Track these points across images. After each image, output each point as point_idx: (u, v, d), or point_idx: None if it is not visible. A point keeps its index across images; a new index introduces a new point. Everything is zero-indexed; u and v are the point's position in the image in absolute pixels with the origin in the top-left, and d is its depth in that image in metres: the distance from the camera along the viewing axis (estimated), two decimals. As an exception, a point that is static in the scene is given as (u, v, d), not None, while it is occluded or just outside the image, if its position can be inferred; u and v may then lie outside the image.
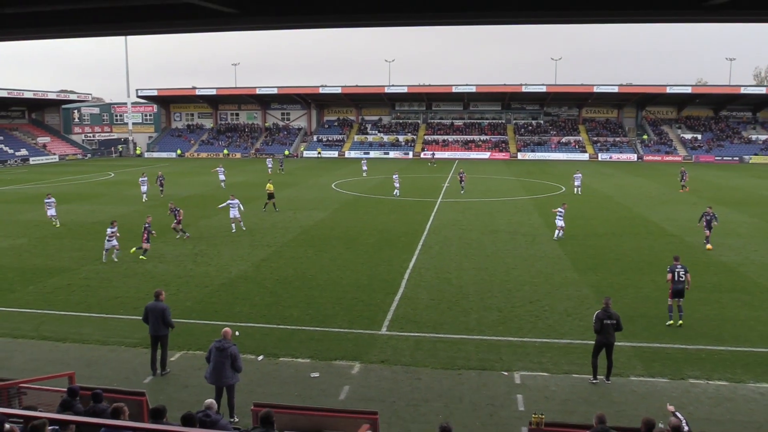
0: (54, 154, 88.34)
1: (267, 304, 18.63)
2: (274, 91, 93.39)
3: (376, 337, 15.99)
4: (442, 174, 60.02)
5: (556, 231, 28.15)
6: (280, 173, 59.57)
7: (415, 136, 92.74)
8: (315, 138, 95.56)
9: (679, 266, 16.87)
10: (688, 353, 14.98)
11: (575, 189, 44.56)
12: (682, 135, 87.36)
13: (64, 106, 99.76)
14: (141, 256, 24.73)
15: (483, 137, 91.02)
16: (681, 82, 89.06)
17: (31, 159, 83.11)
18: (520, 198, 42.21)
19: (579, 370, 13.96)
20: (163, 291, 14.28)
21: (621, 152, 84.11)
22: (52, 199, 32.62)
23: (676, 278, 16.71)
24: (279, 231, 30.24)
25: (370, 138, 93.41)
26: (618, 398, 12.76)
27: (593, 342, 13.66)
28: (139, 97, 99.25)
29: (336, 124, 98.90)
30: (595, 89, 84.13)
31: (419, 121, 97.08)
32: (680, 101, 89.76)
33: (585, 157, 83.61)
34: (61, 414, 8.57)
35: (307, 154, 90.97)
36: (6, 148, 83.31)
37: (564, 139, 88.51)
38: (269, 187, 36.67)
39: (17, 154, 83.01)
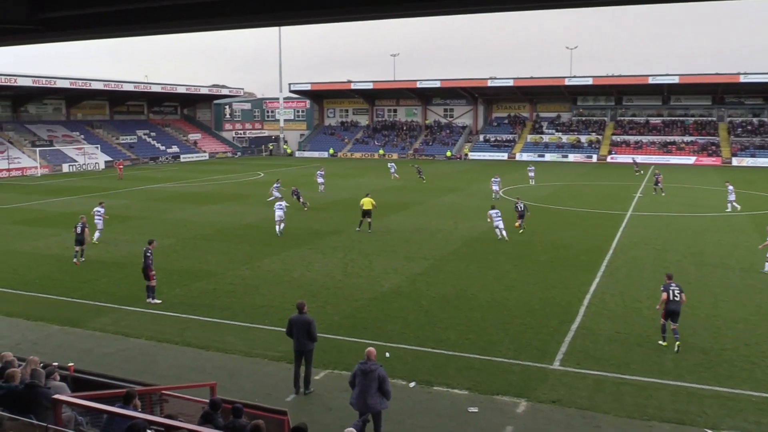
0: (204, 151, 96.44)
1: (421, 324, 18.81)
2: (437, 84, 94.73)
3: (547, 371, 15.53)
4: (633, 182, 57.19)
5: None
6: (421, 182, 57.82)
7: (600, 137, 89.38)
8: (481, 137, 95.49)
9: (673, 285, 17.47)
10: None
11: (729, 205, 40.06)
12: None
13: (215, 102, 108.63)
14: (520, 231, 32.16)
15: (687, 138, 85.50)
16: None
17: (181, 156, 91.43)
18: (734, 214, 39.05)
19: (812, 436, 12.52)
20: (306, 303, 14.88)
21: None
22: (102, 209, 31.61)
23: (671, 297, 17.30)
24: (437, 242, 30.49)
25: (545, 138, 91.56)
26: None
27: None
28: (291, 91, 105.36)
29: (506, 121, 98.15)
30: (843, 79, 75.78)
31: (606, 119, 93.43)
32: None
33: (825, 165, 75.49)
34: (202, 426, 9.21)
35: (472, 156, 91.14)
36: (158, 145, 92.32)
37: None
38: (366, 202, 33.70)
39: (168, 150, 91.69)
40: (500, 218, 31.27)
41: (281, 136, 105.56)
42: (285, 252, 28.61)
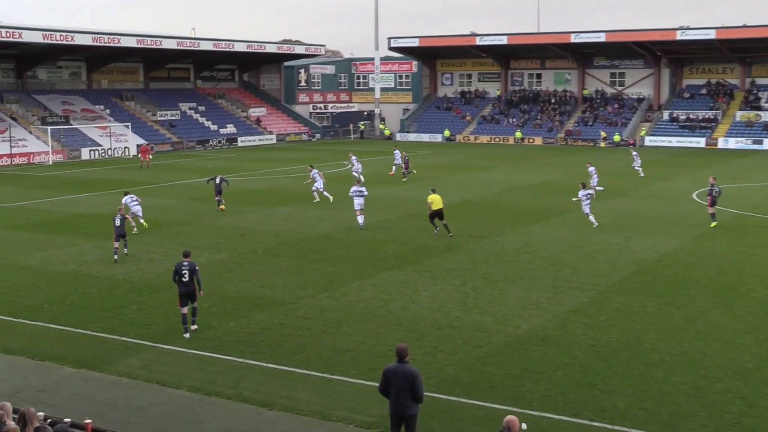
0: (270, 132, 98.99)
1: (575, 383, 18.50)
2: (600, 37, 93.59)
3: (766, 464, 14.97)
4: None
5: None
6: (404, 176, 57.65)
7: None
8: (666, 114, 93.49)
9: None
10: None
11: None
12: None
13: (286, 64, 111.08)
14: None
15: None
16: None
17: (239, 139, 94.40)
18: None
19: None
20: (409, 348, 14.80)
21: None
22: (134, 197, 37.47)
23: None
24: (599, 266, 29.98)
25: (765, 116, 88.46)
26: None
27: None
28: (391, 49, 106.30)
29: (704, 91, 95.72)
30: None
31: None
32: None
33: None
34: None
35: (651, 141, 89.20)
36: (208, 123, 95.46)
37: None
38: (435, 199, 35.25)
39: (222, 131, 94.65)
40: (589, 201, 37.49)
41: (376, 111, 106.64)
42: (380, 275, 28.82)
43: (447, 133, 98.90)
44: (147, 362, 20.07)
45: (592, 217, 37.28)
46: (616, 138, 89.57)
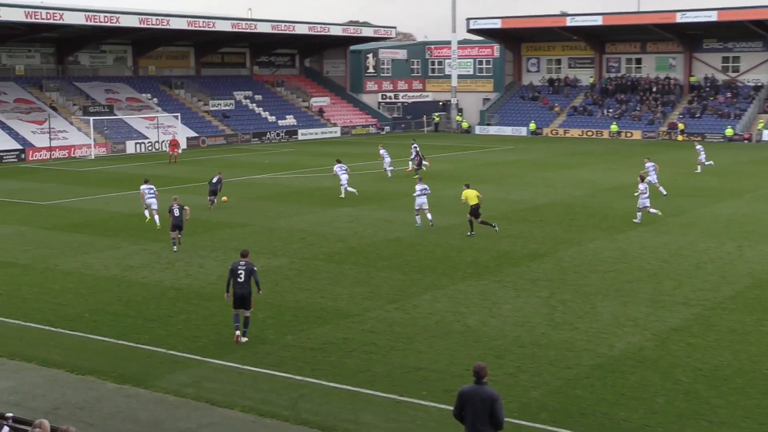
0: (334, 124, 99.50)
1: (679, 412, 18.26)
2: (711, 16, 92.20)
3: None
4: None
5: None
6: (414, 172, 57.83)
7: None
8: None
9: None
10: None
11: None
12: None
13: (352, 48, 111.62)
14: None
15: None
16: None
17: (300, 131, 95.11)
18: None
19: None
20: (487, 368, 14.68)
21: None
22: (152, 187, 39.87)
23: None
24: (707, 278, 29.56)
25: None
26: None
27: None
28: (470, 31, 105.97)
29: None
30: None
31: None
32: None
33: None
34: None
35: None
36: (265, 114, 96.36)
37: None
38: (470, 195, 36.77)
39: (281, 123, 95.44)
40: (647, 196, 39.95)
41: (453, 101, 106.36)
42: (456, 285, 28.80)
43: (533, 126, 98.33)
44: (196, 378, 20.26)
45: (644, 211, 39.75)
46: (729, 132, 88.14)
